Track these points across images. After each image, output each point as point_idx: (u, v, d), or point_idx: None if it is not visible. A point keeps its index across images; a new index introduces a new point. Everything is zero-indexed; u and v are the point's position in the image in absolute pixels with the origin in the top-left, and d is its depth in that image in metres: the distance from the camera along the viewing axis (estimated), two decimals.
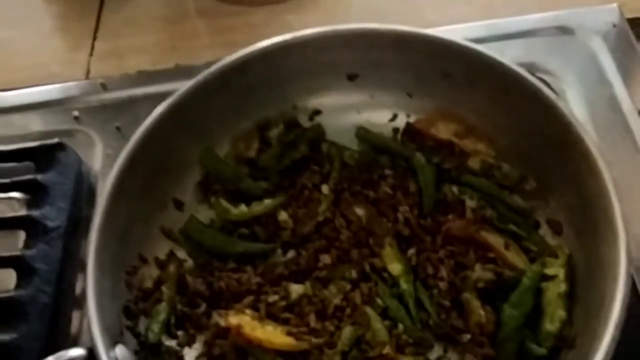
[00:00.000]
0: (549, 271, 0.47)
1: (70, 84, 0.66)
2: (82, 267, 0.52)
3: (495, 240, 0.50)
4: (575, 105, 0.58)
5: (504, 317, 0.47)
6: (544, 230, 0.51)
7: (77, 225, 0.56)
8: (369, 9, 0.69)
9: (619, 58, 0.61)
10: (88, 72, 0.68)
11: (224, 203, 0.53)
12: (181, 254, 0.53)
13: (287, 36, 0.54)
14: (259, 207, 0.53)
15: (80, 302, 0.53)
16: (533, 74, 0.51)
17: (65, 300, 0.53)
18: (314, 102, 0.57)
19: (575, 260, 0.48)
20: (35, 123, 0.63)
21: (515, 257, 0.49)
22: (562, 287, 0.46)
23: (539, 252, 0.49)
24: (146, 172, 0.51)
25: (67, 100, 0.64)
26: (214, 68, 0.53)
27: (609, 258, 0.43)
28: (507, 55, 0.52)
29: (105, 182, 0.50)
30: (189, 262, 0.53)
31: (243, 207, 0.53)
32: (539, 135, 0.50)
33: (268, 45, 0.54)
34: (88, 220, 0.55)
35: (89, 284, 0.45)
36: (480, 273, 0.48)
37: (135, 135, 0.51)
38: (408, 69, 0.55)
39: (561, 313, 0.46)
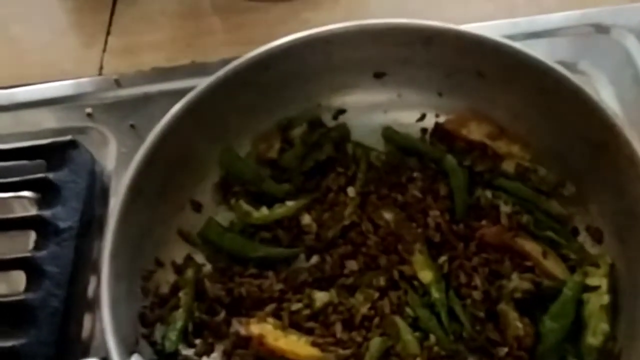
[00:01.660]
0: (591, 281, 0.46)
1: (84, 80, 0.65)
2: (94, 270, 0.52)
3: (532, 247, 0.48)
4: None
5: (544, 330, 0.45)
6: (583, 238, 0.49)
7: (90, 225, 0.55)
8: (388, 6, 0.67)
9: None
10: (101, 68, 0.67)
11: (245, 205, 0.52)
12: (199, 258, 0.52)
13: (310, 32, 0.53)
14: (281, 210, 0.52)
15: (91, 306, 0.52)
16: None
17: (77, 304, 0.51)
18: (339, 100, 0.56)
19: (617, 270, 0.46)
20: (47, 120, 0.62)
21: (554, 266, 0.47)
22: (605, 298, 0.45)
23: (579, 261, 0.48)
24: (163, 173, 0.50)
25: (80, 97, 0.63)
26: (234, 64, 0.52)
27: None
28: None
29: (119, 181, 0.49)
30: (208, 267, 0.51)
31: (264, 210, 0.52)
32: (579, 138, 0.49)
33: (291, 40, 0.52)
34: (101, 220, 0.55)
35: (104, 291, 0.44)
36: (517, 282, 0.46)
37: (152, 133, 0.49)
38: (438, 67, 0.53)
39: (604, 326, 0.44)
